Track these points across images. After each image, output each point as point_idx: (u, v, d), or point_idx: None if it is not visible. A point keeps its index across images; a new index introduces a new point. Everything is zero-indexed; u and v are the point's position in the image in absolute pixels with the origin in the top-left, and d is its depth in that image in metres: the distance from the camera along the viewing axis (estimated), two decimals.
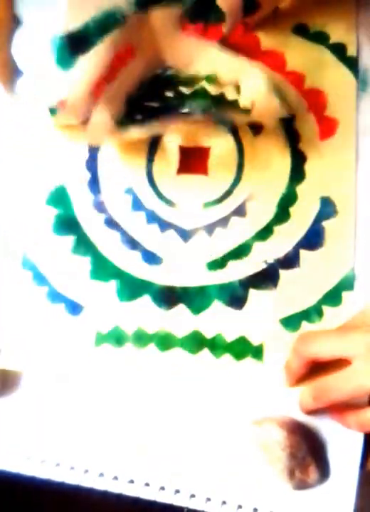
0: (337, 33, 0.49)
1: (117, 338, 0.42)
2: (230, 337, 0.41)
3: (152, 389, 0.41)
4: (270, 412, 0.39)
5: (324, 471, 0.38)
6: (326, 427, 0.40)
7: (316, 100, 0.47)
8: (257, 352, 0.41)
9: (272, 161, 0.45)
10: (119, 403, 0.41)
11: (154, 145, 0.47)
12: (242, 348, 0.41)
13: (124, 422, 0.41)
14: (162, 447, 0.40)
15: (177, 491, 0.39)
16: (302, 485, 0.38)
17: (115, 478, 0.40)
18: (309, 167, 0.45)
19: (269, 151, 0.46)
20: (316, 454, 0.38)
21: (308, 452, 0.38)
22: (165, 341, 0.42)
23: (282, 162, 0.45)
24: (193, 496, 0.39)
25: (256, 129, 0.46)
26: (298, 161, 0.45)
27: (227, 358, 0.41)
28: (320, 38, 0.49)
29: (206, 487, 0.39)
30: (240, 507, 0.38)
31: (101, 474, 0.40)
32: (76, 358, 0.42)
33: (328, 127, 0.46)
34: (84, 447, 0.41)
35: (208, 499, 0.39)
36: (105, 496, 0.40)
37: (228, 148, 0.46)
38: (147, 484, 0.40)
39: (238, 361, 0.41)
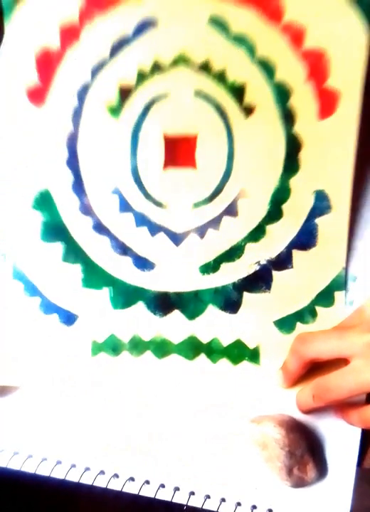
0: None
1: (113, 346, 0.44)
2: (226, 341, 0.43)
3: (151, 396, 0.43)
4: (269, 411, 0.42)
5: (321, 469, 0.41)
6: (324, 426, 0.42)
7: (317, 65, 0.42)
8: (254, 355, 0.43)
9: (264, 149, 0.42)
10: (119, 404, 0.44)
11: (135, 135, 0.43)
12: (239, 352, 0.43)
13: (124, 421, 0.44)
14: (162, 446, 0.43)
15: (177, 489, 0.42)
16: (300, 483, 0.40)
17: (115, 476, 0.43)
18: (304, 155, 0.42)
19: (261, 137, 0.42)
20: (314, 452, 0.40)
21: (306, 450, 0.40)
22: (161, 348, 0.44)
23: (275, 150, 0.42)
24: (192, 493, 0.42)
25: (247, 109, 0.42)
26: (293, 148, 0.42)
27: (224, 362, 0.43)
28: None
29: (206, 485, 0.42)
30: (238, 504, 0.41)
31: (101, 472, 0.43)
32: (73, 369, 0.44)
33: (328, 102, 0.42)
34: (84, 446, 0.44)
35: (208, 496, 0.42)
36: (105, 493, 0.42)
37: (217, 134, 0.42)
38: (147, 482, 0.43)
39: (235, 365, 0.43)
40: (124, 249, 0.44)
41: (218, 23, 0.42)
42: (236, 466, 0.42)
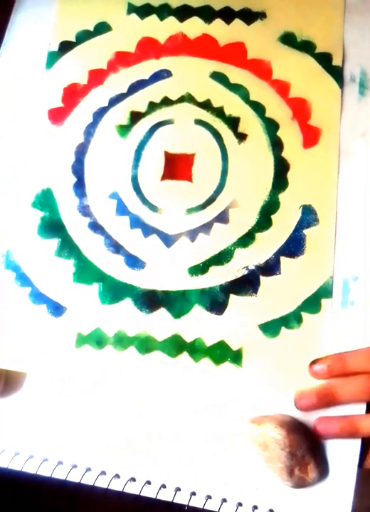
0: (324, 42, 0.50)
1: (97, 339, 0.44)
2: (209, 341, 0.43)
3: (132, 391, 0.43)
4: (268, 411, 0.41)
5: (323, 470, 0.40)
6: None
7: (300, 109, 0.49)
8: (237, 357, 0.42)
9: (255, 169, 0.47)
10: (120, 404, 0.43)
11: (139, 151, 0.48)
12: (222, 353, 0.43)
13: (126, 421, 0.43)
14: (164, 446, 0.42)
15: (178, 489, 0.41)
16: (301, 483, 0.39)
17: (117, 476, 0.42)
18: (291, 175, 0.46)
19: (253, 159, 0.47)
20: (315, 453, 0.39)
21: (307, 451, 0.39)
22: (145, 344, 0.43)
23: (265, 170, 0.47)
24: (193, 493, 0.41)
25: (241, 136, 0.47)
26: (281, 169, 0.47)
27: (206, 362, 0.43)
28: (307, 47, 0.51)
29: (207, 485, 0.41)
30: (240, 505, 0.40)
31: (103, 472, 0.42)
32: (57, 360, 0.43)
33: (311, 136, 0.48)
34: (85, 446, 0.43)
35: (209, 497, 0.40)
36: (106, 494, 0.42)
37: (213, 154, 0.47)
38: (148, 482, 0.41)
39: (217, 365, 0.42)
40: (116, 248, 0.46)
41: (218, 77, 0.51)
42: (237, 466, 0.41)
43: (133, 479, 0.41)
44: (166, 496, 0.41)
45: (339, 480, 0.40)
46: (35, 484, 0.43)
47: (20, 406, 0.44)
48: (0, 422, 0.44)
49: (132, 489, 0.41)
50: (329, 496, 0.39)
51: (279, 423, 0.39)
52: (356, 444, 0.40)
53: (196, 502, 0.40)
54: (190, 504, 0.40)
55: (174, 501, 0.41)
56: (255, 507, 0.40)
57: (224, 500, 0.40)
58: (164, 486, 0.41)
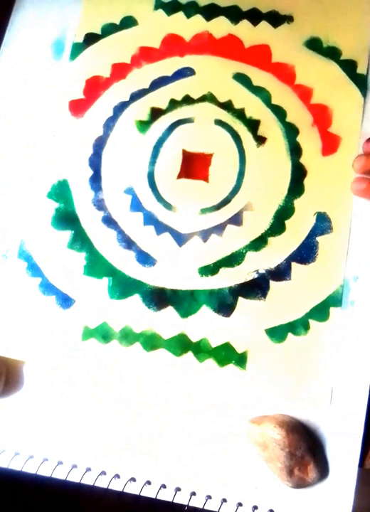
0: (350, 49, 0.50)
1: (104, 334, 0.44)
2: (215, 342, 0.44)
3: (135, 387, 0.43)
4: (268, 411, 0.42)
5: (323, 470, 0.40)
6: (325, 426, 0.41)
7: (321, 115, 0.49)
8: (241, 359, 0.43)
9: (272, 173, 0.47)
10: (120, 404, 0.44)
11: (157, 148, 0.48)
12: (226, 355, 0.43)
13: (127, 420, 0.43)
14: (164, 446, 0.43)
15: (178, 489, 0.42)
16: (301, 483, 0.39)
17: (117, 476, 0.42)
18: (308, 182, 0.47)
19: (270, 163, 0.48)
20: (315, 453, 0.40)
21: (307, 451, 0.39)
22: (151, 341, 0.44)
23: (282, 174, 0.47)
24: (193, 494, 0.41)
25: (260, 139, 0.47)
26: (298, 175, 0.47)
27: (210, 362, 0.43)
28: (332, 53, 0.51)
29: (207, 485, 0.41)
30: (240, 505, 0.40)
31: (103, 472, 0.43)
32: (63, 351, 0.44)
33: (331, 144, 0.48)
34: (86, 446, 0.43)
35: (209, 497, 0.41)
36: (107, 494, 0.42)
37: (231, 156, 0.48)
38: (149, 482, 0.42)
39: (221, 367, 0.43)
40: (128, 244, 0.46)
41: (241, 78, 0.51)
42: (237, 466, 0.42)
43: (133, 479, 0.42)
44: (166, 496, 0.41)
45: (339, 480, 0.40)
46: (35, 484, 0.43)
47: (21, 406, 0.45)
48: (0, 422, 0.45)
49: (132, 489, 0.42)
50: (329, 496, 0.40)
51: (279, 423, 0.40)
52: (356, 444, 0.40)
53: (196, 502, 0.41)
54: (190, 504, 0.41)
55: (174, 501, 0.41)
56: (255, 507, 0.40)
57: (224, 500, 0.41)
58: (164, 486, 0.42)
